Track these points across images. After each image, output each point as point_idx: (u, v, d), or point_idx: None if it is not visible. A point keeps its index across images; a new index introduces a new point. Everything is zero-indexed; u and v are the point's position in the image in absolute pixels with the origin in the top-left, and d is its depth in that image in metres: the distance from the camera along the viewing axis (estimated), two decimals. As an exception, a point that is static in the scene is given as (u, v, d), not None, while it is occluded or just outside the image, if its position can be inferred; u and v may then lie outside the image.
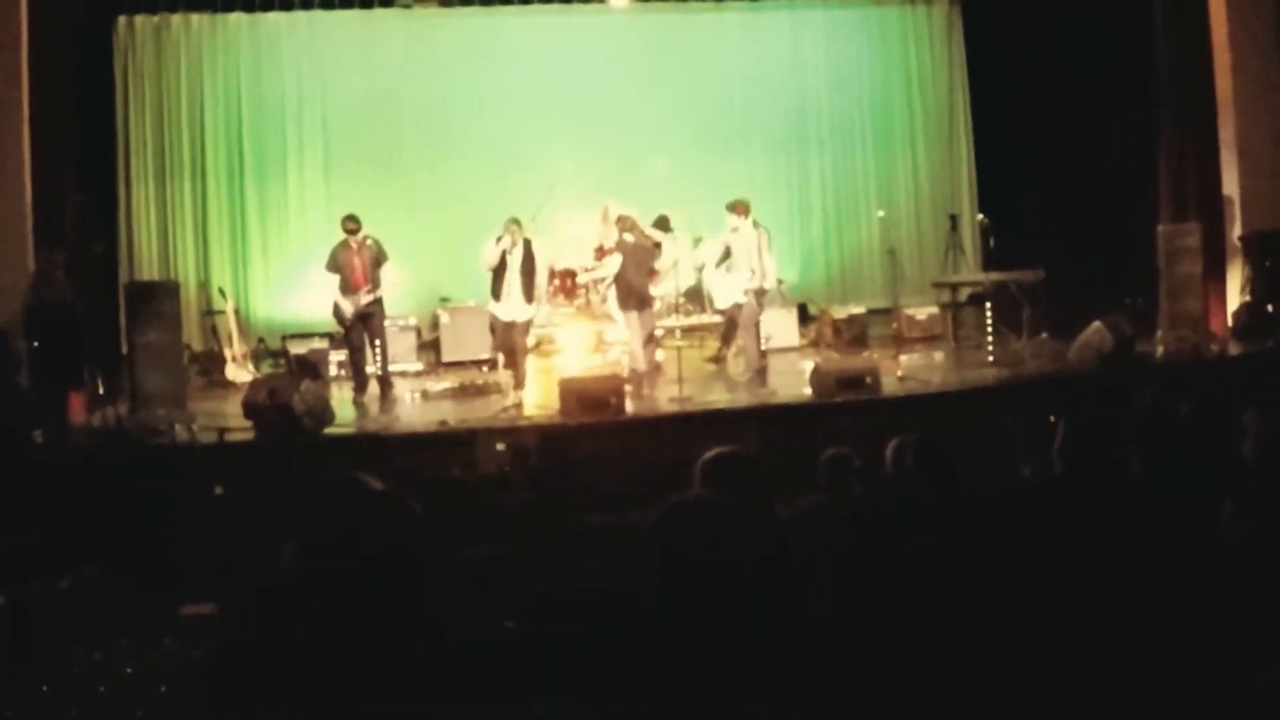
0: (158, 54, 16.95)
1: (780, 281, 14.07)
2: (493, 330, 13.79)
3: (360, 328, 13.32)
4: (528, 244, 13.05)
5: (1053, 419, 5.02)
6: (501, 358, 13.68)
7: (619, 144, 17.49)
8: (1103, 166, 15.85)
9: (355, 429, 11.85)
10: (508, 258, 12.96)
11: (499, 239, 12.93)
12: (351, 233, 13.20)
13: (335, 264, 13.22)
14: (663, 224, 13.79)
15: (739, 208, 13.54)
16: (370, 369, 13.54)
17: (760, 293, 13.42)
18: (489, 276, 13.13)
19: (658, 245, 13.86)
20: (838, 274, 18.70)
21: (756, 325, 13.60)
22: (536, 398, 12.79)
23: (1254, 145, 14.06)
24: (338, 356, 14.96)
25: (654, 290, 13.86)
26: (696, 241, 15.19)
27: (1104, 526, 4.32)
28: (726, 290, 13.80)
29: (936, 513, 4.79)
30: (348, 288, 13.15)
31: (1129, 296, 14.19)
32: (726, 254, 13.71)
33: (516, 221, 13.06)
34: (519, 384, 12.82)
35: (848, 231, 18.83)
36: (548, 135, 17.23)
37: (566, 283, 15.60)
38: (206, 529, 9.50)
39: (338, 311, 13.25)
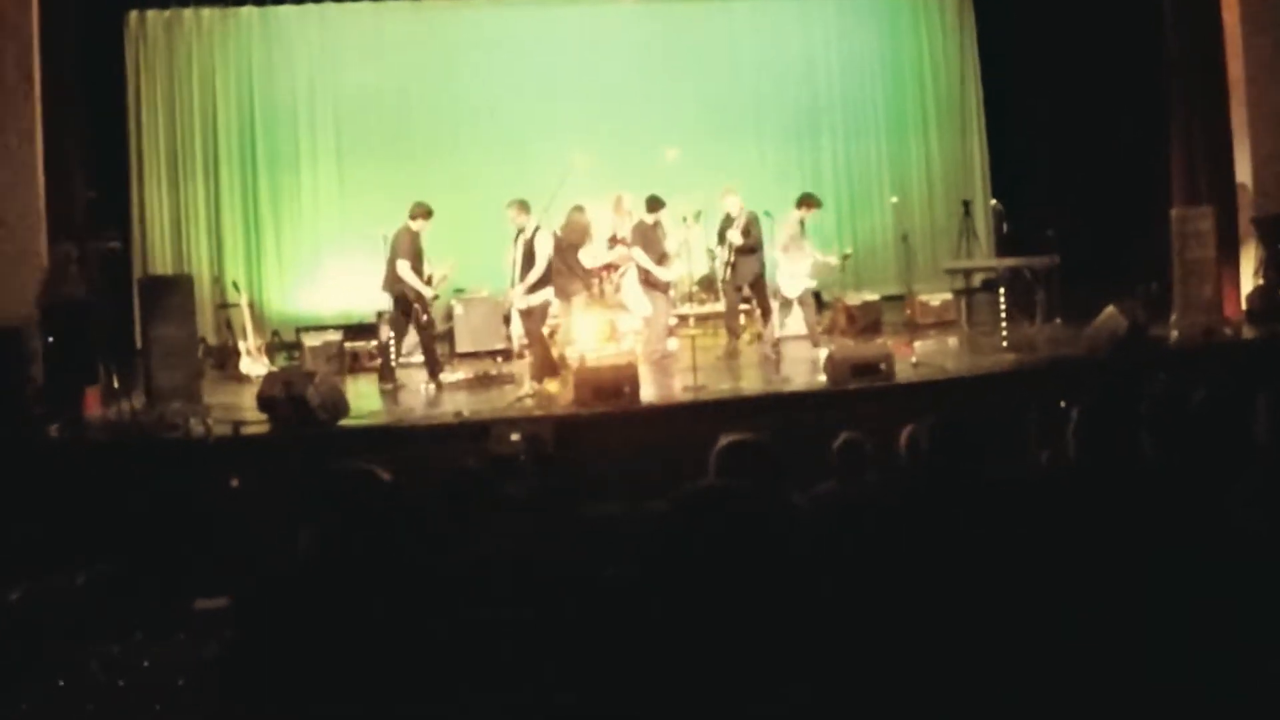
0: (169, 48, 17.01)
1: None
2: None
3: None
4: (534, 231, 12.99)
5: (1064, 404, 5.00)
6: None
7: (631, 133, 17.49)
8: (1115, 151, 15.82)
9: (369, 421, 11.84)
10: (514, 245, 12.99)
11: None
12: (427, 218, 13.31)
13: (414, 250, 13.30)
14: (654, 204, 13.80)
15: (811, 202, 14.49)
16: (397, 360, 13.64)
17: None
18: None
19: (656, 225, 13.93)
20: (851, 261, 18.67)
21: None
22: (552, 386, 12.78)
23: (1266, 128, 13.99)
24: (352, 348, 15.03)
25: (666, 274, 13.93)
26: (698, 215, 15.24)
27: (1116, 512, 4.30)
28: (798, 277, 14.31)
29: (951, 498, 4.78)
30: (420, 272, 13.27)
31: (1142, 281, 14.15)
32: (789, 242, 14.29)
33: (518, 204, 13.04)
34: (538, 374, 12.81)
35: (861, 218, 18.85)
36: (559, 126, 17.24)
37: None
38: (222, 523, 9.51)
39: (420, 297, 13.33)
